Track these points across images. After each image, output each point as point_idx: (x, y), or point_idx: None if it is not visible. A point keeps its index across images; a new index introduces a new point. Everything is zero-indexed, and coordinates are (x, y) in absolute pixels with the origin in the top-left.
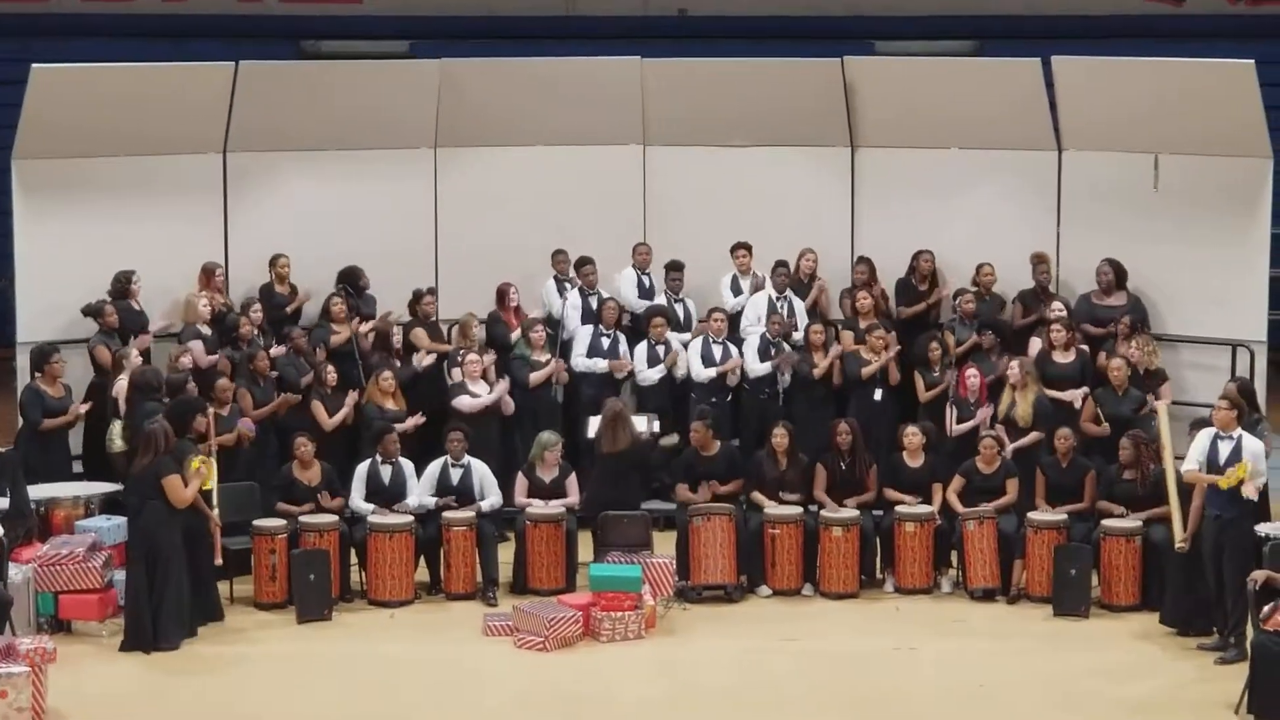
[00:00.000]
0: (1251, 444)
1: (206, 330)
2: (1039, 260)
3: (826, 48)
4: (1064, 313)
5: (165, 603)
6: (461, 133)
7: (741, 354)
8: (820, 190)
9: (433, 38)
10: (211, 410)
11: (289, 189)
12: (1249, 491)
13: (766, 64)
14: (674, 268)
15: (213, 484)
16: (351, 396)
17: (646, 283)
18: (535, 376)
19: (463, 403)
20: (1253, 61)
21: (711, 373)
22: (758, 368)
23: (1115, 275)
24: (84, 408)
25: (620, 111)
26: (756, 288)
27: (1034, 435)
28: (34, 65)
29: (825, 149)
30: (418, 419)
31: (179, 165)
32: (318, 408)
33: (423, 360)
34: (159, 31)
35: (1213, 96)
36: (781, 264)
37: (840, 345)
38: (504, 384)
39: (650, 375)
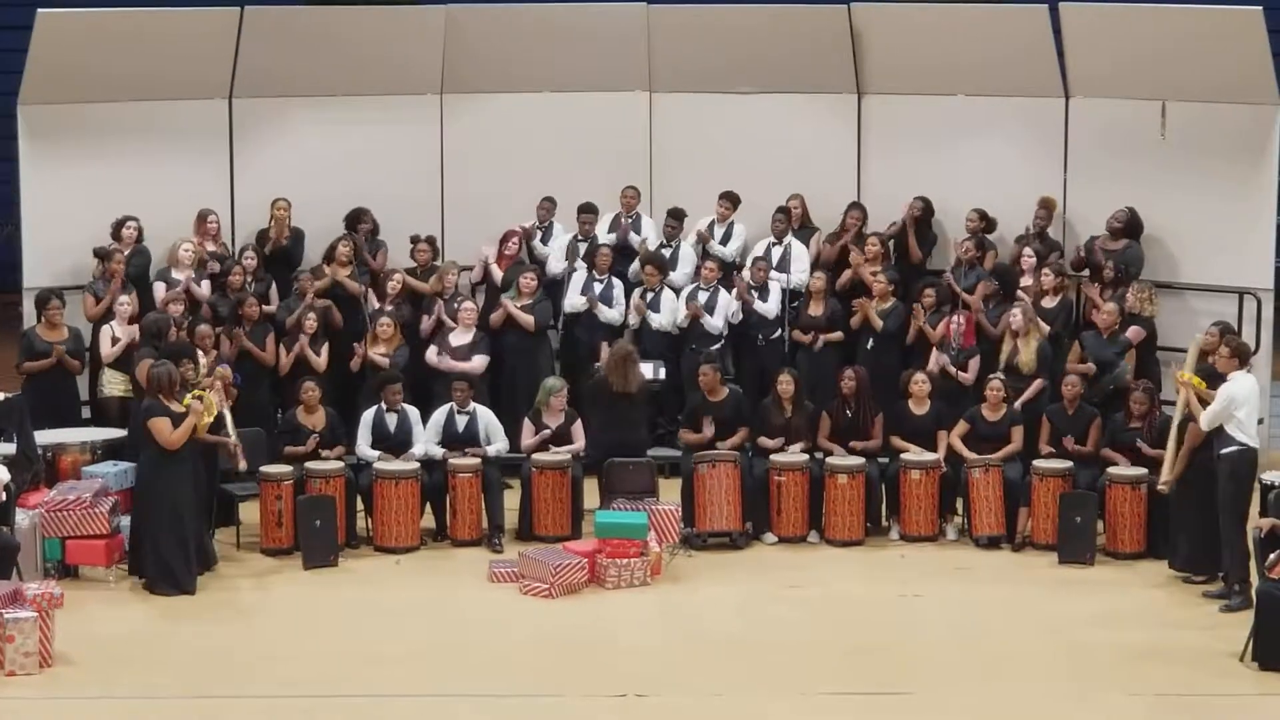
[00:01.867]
0: (1230, 386)
1: (179, 275)
2: (1041, 205)
3: None
4: (1033, 259)
5: (169, 547)
6: (467, 79)
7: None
8: (826, 137)
9: None
10: (233, 339)
11: (295, 134)
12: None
13: (773, 10)
14: (673, 215)
15: (221, 412)
16: (318, 359)
17: (623, 221)
18: (494, 317)
19: (430, 356)
20: (1260, 8)
21: (671, 319)
22: (763, 307)
23: (1127, 222)
24: (63, 353)
25: (626, 58)
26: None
27: (1039, 383)
28: (39, 10)
29: (831, 95)
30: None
31: (185, 110)
32: (282, 350)
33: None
34: None
35: (1221, 43)
36: (781, 210)
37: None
38: (480, 361)
39: (661, 320)
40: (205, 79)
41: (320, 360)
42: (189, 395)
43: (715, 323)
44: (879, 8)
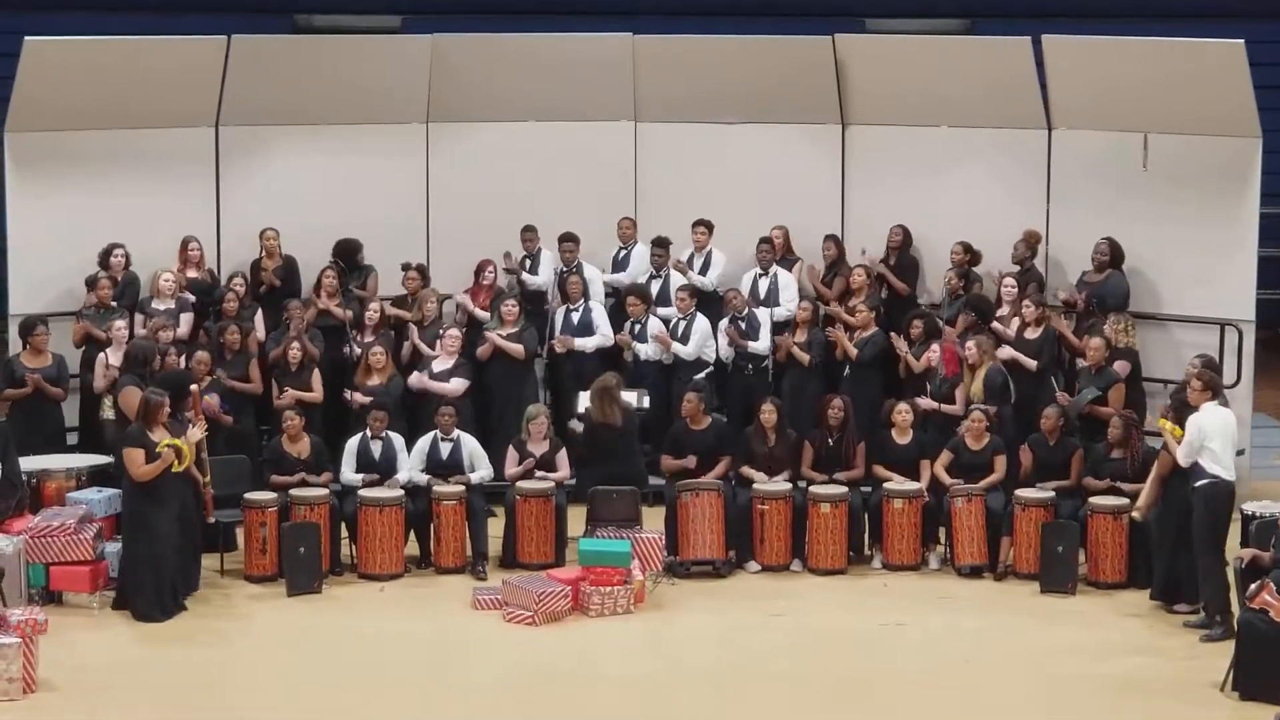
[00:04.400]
0: (1199, 417)
1: (159, 305)
2: (1023, 238)
3: (818, 25)
4: (1013, 288)
5: (153, 574)
6: (453, 108)
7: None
8: (811, 167)
9: (425, 13)
10: (195, 388)
11: (281, 163)
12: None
13: (758, 41)
14: (659, 244)
15: (202, 456)
16: (290, 395)
17: (620, 256)
18: (481, 350)
19: (411, 379)
20: (1242, 41)
21: (651, 349)
22: (755, 345)
23: (1111, 254)
24: (42, 383)
25: (612, 88)
26: (706, 266)
27: (990, 411)
28: (27, 38)
29: (816, 126)
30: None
31: (171, 139)
32: (273, 386)
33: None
34: (152, 5)
35: (1202, 76)
36: (766, 240)
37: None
38: (458, 384)
39: (647, 350)
40: (191, 107)
41: (316, 394)
42: (162, 443)
43: (688, 350)
44: (863, 39)
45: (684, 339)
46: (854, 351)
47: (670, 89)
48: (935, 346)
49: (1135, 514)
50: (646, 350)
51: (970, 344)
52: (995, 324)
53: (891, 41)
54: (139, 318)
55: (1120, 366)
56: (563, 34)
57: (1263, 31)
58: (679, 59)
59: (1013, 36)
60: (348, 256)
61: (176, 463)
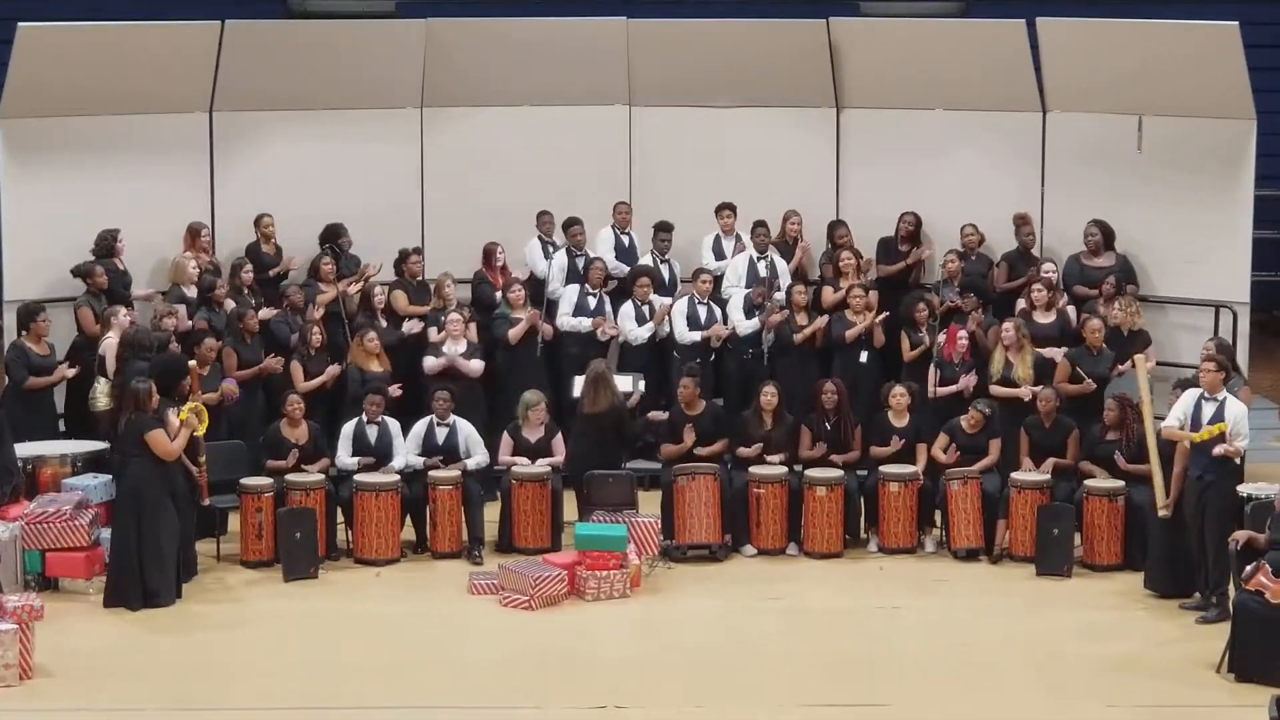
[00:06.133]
0: (1235, 407)
1: (192, 292)
2: (1023, 221)
3: (812, 8)
4: (1054, 273)
5: (151, 560)
6: (447, 93)
7: (725, 314)
8: (805, 151)
9: None
10: (193, 365)
11: (275, 148)
12: (1225, 450)
13: (752, 24)
14: (662, 228)
15: (200, 431)
16: (334, 369)
17: (625, 242)
18: (514, 332)
19: (427, 363)
20: (1237, 23)
21: (696, 336)
22: (744, 325)
23: (1103, 236)
24: (70, 371)
25: (606, 72)
26: (740, 249)
27: (1042, 389)
28: (20, 24)
29: (810, 109)
30: (395, 390)
31: (165, 124)
32: (296, 369)
33: (411, 327)
34: None
35: (1197, 58)
36: (761, 224)
37: (823, 319)
38: (478, 365)
39: (640, 334)
40: (186, 93)
41: (327, 379)
42: (185, 408)
43: (752, 323)
44: (858, 22)
45: (708, 325)
46: (881, 338)
47: (664, 73)
48: (964, 332)
49: (1164, 512)
50: (640, 334)
51: (1009, 326)
52: (1020, 304)
53: (886, 24)
54: (180, 307)
55: (1149, 352)
56: (557, 18)
57: (1257, 14)
58: (673, 43)
59: (1007, 19)
60: (335, 240)
61: (199, 425)
